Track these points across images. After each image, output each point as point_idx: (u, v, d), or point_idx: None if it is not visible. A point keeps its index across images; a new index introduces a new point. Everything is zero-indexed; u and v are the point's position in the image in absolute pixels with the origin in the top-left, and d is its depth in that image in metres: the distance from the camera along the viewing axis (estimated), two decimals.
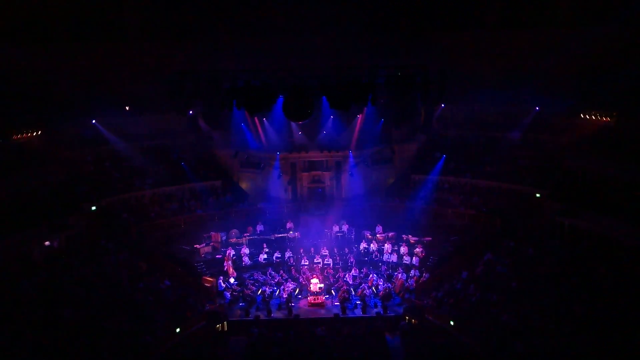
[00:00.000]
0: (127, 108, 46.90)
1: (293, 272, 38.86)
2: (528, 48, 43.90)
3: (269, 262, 39.91)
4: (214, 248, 41.47)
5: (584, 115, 40.63)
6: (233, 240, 41.83)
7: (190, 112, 46.66)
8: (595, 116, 39.84)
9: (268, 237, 42.06)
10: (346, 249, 40.74)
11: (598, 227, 33.59)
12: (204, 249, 40.93)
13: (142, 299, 32.80)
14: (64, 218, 36.84)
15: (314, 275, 36.91)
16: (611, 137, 37.97)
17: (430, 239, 40.48)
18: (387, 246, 39.89)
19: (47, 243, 35.76)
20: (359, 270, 38.21)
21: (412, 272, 37.33)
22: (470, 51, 46.23)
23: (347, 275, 37.57)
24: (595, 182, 37.11)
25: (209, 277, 37.23)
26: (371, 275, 37.45)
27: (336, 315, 33.43)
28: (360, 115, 45.10)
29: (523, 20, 44.70)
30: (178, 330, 30.91)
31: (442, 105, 48.45)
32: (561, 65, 41.52)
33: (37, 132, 41.34)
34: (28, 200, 37.13)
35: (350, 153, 46.41)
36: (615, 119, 38.58)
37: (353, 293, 35.50)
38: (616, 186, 35.33)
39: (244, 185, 49.38)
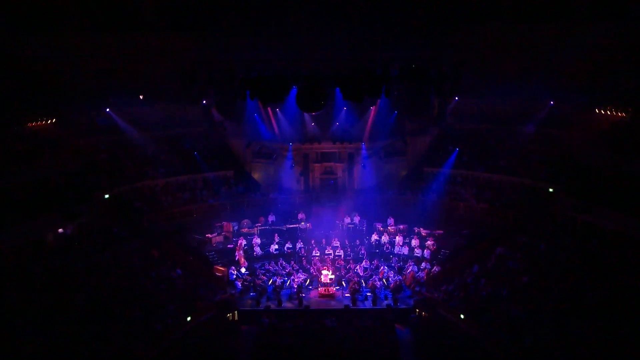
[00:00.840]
0: (140, 97, 47.00)
1: (304, 262, 38.89)
2: (543, 42, 43.61)
3: (280, 252, 40.01)
4: (225, 238, 41.61)
5: (599, 110, 40.43)
6: (245, 230, 41.98)
7: (204, 101, 46.72)
8: (610, 111, 39.63)
9: (280, 227, 42.07)
10: (357, 241, 40.77)
11: (611, 223, 33.39)
12: (215, 238, 41.08)
13: (154, 288, 33.02)
14: (77, 206, 37.01)
15: (325, 267, 36.91)
16: (626, 133, 37.72)
17: (442, 232, 40.52)
18: (398, 239, 39.91)
19: (60, 230, 35.98)
20: (370, 262, 38.20)
21: (423, 265, 37.29)
22: (485, 45, 46.00)
23: (358, 267, 37.60)
24: (609, 178, 36.84)
25: (220, 266, 37.40)
26: (382, 268, 37.47)
27: (346, 306, 33.50)
28: (374, 107, 44.98)
29: (539, 14, 44.37)
30: (189, 319, 31.00)
31: (456, 98, 48.18)
32: (576, 60, 41.27)
33: (52, 120, 41.66)
34: (42, 188, 37.36)
35: (363, 145, 46.32)
36: (631, 115, 38.32)
37: (364, 285, 35.52)
38: (630, 182, 35.07)
39: (256, 175, 49.41)
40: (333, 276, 35.81)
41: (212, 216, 43.57)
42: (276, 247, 40.17)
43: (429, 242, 39.04)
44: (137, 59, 45.62)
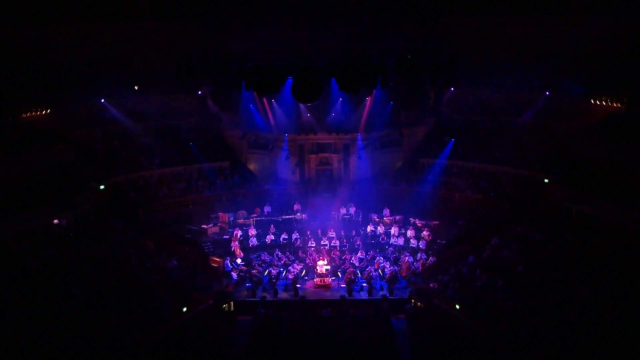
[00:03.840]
0: (136, 88, 46.85)
1: (300, 253, 38.94)
2: (539, 33, 43.47)
3: (276, 243, 40.05)
4: (221, 228, 41.64)
5: (594, 100, 40.43)
6: (240, 221, 41.95)
7: (199, 92, 46.59)
8: (606, 102, 39.64)
9: (275, 218, 42.09)
10: (353, 232, 40.85)
11: (606, 213, 33.49)
12: (211, 229, 41.11)
13: (150, 278, 33.03)
14: (73, 197, 36.99)
15: (321, 257, 36.95)
16: (621, 123, 37.75)
17: (437, 222, 40.57)
18: (394, 229, 39.94)
19: (55, 221, 35.92)
20: (366, 252, 38.24)
21: (419, 255, 37.34)
22: (481, 35, 45.84)
23: (353, 257, 37.63)
24: (604, 169, 36.97)
25: (216, 257, 37.37)
26: (378, 258, 37.48)
27: (342, 297, 33.52)
28: (369, 97, 44.90)
29: (534, 5, 44.25)
30: (185, 309, 31.07)
31: (452, 89, 48.23)
32: (572, 50, 41.17)
33: (46, 111, 41.48)
34: (37, 179, 37.30)
35: (359, 136, 46.31)
36: (626, 105, 38.35)
37: (359, 275, 35.57)
38: (625, 173, 35.18)
39: (251, 166, 49.39)
40: (329, 267, 35.81)
41: (208, 207, 43.50)
42: (272, 237, 40.18)
43: (424, 233, 39.09)
44: (133, 49, 45.39)
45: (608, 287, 28.21)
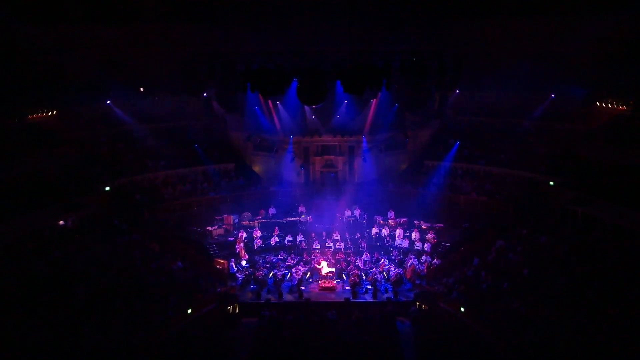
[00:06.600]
0: (141, 90, 46.94)
1: (304, 255, 38.91)
2: (544, 35, 43.48)
3: (280, 245, 40.05)
4: (226, 230, 41.65)
5: (600, 103, 40.34)
6: (245, 223, 42.02)
7: (205, 94, 46.64)
8: (611, 104, 39.54)
9: (280, 220, 42.13)
10: (358, 234, 40.79)
11: (611, 215, 33.42)
12: (216, 231, 41.11)
13: (154, 280, 33.04)
14: (78, 198, 37.07)
15: (325, 259, 36.97)
16: (626, 126, 37.67)
17: (442, 225, 40.61)
18: (398, 232, 39.96)
19: (61, 222, 36.03)
20: (371, 255, 38.22)
21: (424, 258, 37.29)
22: (486, 38, 45.81)
23: (358, 260, 37.61)
24: (609, 171, 36.89)
25: (220, 259, 37.39)
26: (382, 261, 37.49)
27: (347, 299, 33.48)
28: (374, 100, 44.95)
29: (539, 6, 44.20)
30: (189, 311, 31.10)
31: (457, 91, 48.15)
32: (577, 53, 41.12)
33: (52, 113, 41.56)
34: (43, 180, 37.39)
35: (364, 138, 46.34)
36: (632, 108, 38.25)
37: (364, 278, 35.55)
38: (630, 175, 35.09)
39: (256, 168, 49.41)
40: (333, 269, 35.81)
41: (213, 209, 43.64)
42: (277, 239, 40.20)
43: (429, 235, 39.09)
44: (138, 51, 45.46)
45: (614, 289, 28.14)
